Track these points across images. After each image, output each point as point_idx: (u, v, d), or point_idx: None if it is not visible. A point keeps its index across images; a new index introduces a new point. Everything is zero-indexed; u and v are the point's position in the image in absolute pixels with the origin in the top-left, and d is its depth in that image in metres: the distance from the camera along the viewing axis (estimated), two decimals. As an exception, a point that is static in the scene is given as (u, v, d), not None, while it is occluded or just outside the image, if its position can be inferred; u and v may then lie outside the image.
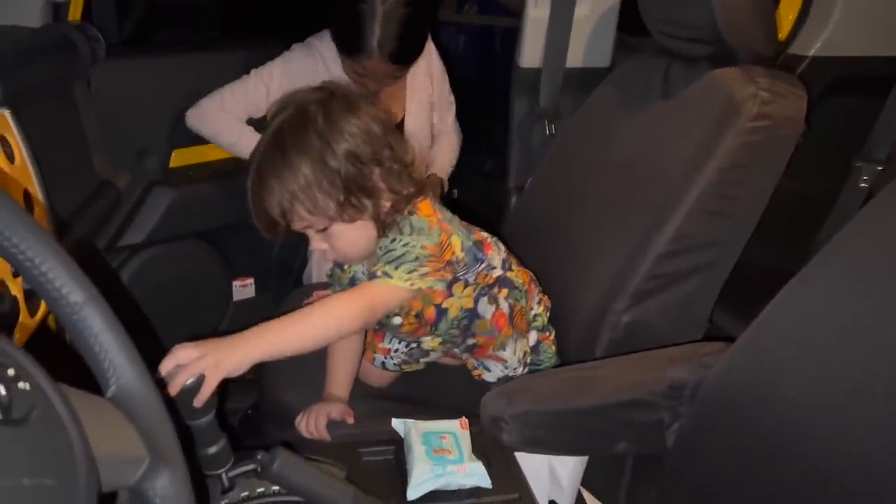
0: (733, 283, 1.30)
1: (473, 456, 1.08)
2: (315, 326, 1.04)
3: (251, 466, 1.01)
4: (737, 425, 0.86)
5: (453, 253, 1.19)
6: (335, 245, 1.14)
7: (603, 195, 1.41)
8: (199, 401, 0.89)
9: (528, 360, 1.35)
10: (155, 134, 1.88)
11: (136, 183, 1.84)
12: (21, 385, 0.48)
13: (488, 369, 1.36)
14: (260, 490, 1.00)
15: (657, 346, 1.21)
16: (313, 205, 1.07)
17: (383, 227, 1.14)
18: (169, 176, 1.91)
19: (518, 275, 1.34)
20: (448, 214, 1.25)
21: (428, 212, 1.17)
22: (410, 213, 1.15)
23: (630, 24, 1.84)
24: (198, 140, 1.93)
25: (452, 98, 1.99)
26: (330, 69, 1.77)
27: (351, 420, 1.26)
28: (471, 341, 1.31)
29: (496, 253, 1.32)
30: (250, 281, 2.15)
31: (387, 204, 1.13)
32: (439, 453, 1.08)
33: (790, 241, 1.78)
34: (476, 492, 1.04)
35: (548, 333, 1.38)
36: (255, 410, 1.63)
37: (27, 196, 1.03)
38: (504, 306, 1.29)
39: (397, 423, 1.17)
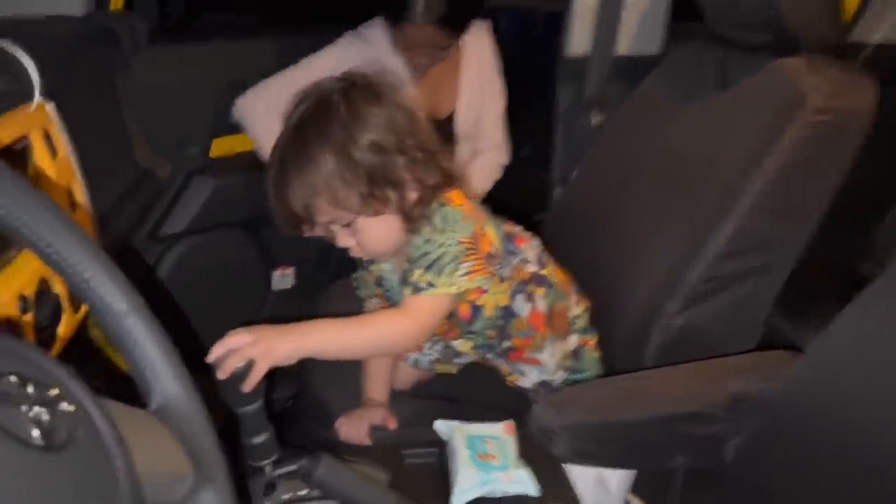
0: (788, 282, 1.24)
1: (519, 462, 1.05)
2: (363, 340, 1.04)
3: (294, 467, 1.00)
4: (806, 441, 0.81)
5: (491, 244, 1.15)
6: (361, 240, 1.10)
7: (654, 190, 1.36)
8: (248, 386, 0.88)
9: (568, 364, 1.30)
10: (195, 123, 1.86)
11: (177, 172, 1.83)
12: (63, 406, 0.46)
13: (523, 374, 1.31)
14: (302, 493, 0.98)
15: (710, 350, 1.16)
16: (336, 198, 1.03)
17: (411, 220, 1.09)
18: (209, 165, 1.90)
19: (554, 274, 1.29)
20: (478, 204, 1.20)
21: (459, 201, 1.13)
22: (441, 205, 1.11)
23: (682, 9, 1.77)
24: (238, 128, 1.92)
25: (501, 105, 1.90)
26: (381, 58, 1.74)
27: (393, 426, 1.23)
28: (506, 344, 1.27)
29: (530, 247, 1.27)
30: (290, 271, 2.13)
31: (413, 195, 1.08)
32: (484, 458, 1.05)
33: (848, 237, 1.70)
34: (522, 499, 1.01)
35: (589, 337, 1.32)
36: (295, 402, 1.62)
37: (70, 192, 1.01)
38: (541, 305, 1.25)
39: (440, 426, 1.14)
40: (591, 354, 1.32)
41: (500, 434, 1.11)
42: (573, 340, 1.30)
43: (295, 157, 1.03)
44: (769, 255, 1.17)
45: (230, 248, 1.99)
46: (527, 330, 1.25)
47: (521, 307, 1.23)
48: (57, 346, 0.98)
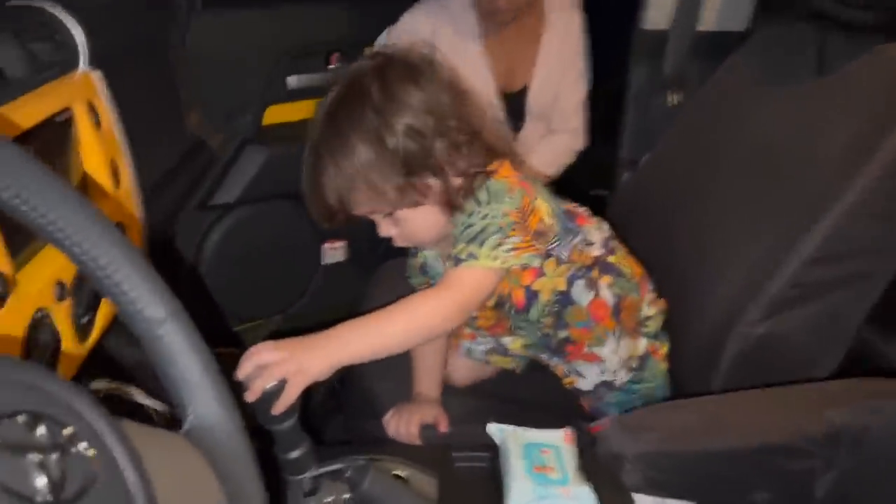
0: (885, 293, 1.12)
1: (580, 476, 0.97)
2: (401, 331, 0.94)
3: (338, 467, 0.95)
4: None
5: (540, 219, 1.05)
6: (403, 230, 1.03)
7: (737, 182, 1.24)
8: (279, 408, 0.82)
9: (634, 366, 1.20)
10: (249, 90, 1.81)
11: (229, 141, 1.78)
12: (79, 448, 0.39)
13: (582, 375, 1.21)
14: (346, 496, 0.92)
15: (792, 364, 1.07)
16: (372, 190, 0.96)
17: (454, 207, 1.01)
18: (262, 134, 1.84)
19: (625, 262, 1.19)
20: (531, 177, 1.10)
21: (507, 172, 1.04)
22: (487, 178, 1.02)
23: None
24: (294, 96, 1.86)
25: (584, 89, 1.78)
26: (456, 20, 1.65)
27: (444, 427, 1.17)
28: (563, 334, 1.16)
29: (594, 229, 1.17)
30: (341, 245, 2.08)
31: (456, 181, 1.00)
32: (541, 470, 0.98)
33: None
34: (580, 517, 0.94)
35: (658, 345, 1.21)
36: (342, 388, 1.57)
37: (113, 165, 0.96)
38: (606, 295, 1.15)
39: (493, 429, 1.07)
40: (659, 366, 1.21)
41: (558, 443, 1.03)
42: (642, 345, 1.19)
43: (328, 146, 0.96)
44: (866, 263, 1.06)
45: (281, 219, 1.94)
46: (586, 320, 1.15)
47: (581, 294, 1.13)
48: (94, 336, 0.94)
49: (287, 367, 0.83)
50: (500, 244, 0.98)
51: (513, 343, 1.23)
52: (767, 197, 1.16)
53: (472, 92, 1.06)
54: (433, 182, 0.98)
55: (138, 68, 1.28)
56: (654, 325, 1.21)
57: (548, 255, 1.09)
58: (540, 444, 1.03)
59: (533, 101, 1.72)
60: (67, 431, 0.39)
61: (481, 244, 0.98)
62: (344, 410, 1.41)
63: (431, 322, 0.97)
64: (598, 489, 0.94)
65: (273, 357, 0.84)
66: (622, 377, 1.20)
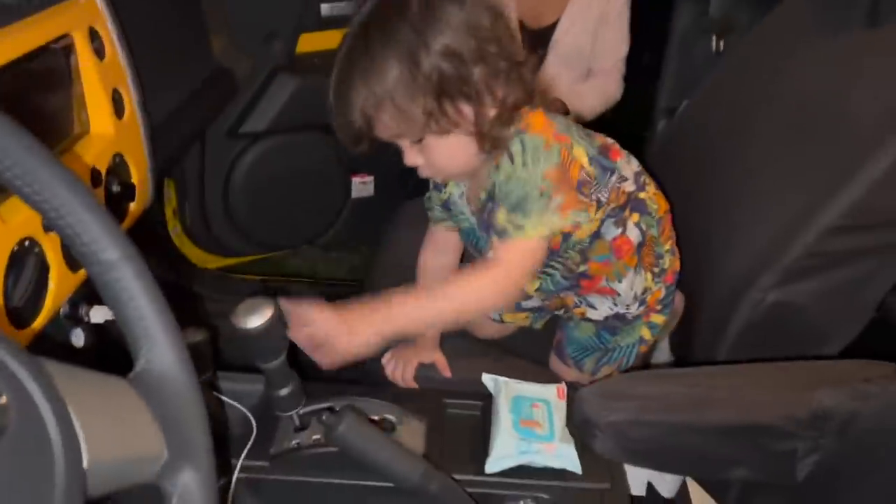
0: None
1: (566, 432, 0.97)
2: (453, 309, 0.98)
3: (324, 405, 0.96)
4: None
5: (581, 167, 1.01)
6: (430, 159, 0.98)
7: (770, 139, 1.17)
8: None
9: (646, 300, 1.17)
10: (283, 16, 1.77)
11: (260, 68, 1.76)
12: (-7, 398, 0.40)
13: (593, 306, 1.18)
14: (332, 436, 0.94)
15: (804, 334, 1.02)
16: (400, 112, 0.90)
17: (486, 141, 0.96)
18: (295, 62, 1.82)
19: (654, 198, 1.14)
20: (563, 121, 1.04)
21: (541, 125, 0.99)
22: (519, 132, 0.97)
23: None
24: (328, 24, 1.82)
25: (625, 48, 1.68)
26: None
27: (447, 372, 1.17)
28: (582, 268, 1.13)
29: (626, 161, 1.12)
30: (370, 179, 2.07)
31: (491, 112, 0.94)
32: (527, 425, 0.97)
33: None
34: (562, 474, 0.93)
35: (660, 287, 1.17)
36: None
37: (117, 96, 0.95)
38: (632, 233, 1.11)
39: (488, 379, 1.07)
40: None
41: (550, 398, 1.02)
42: (648, 279, 1.16)
43: (358, 60, 0.90)
44: (890, 236, 0.99)
45: (311, 150, 1.94)
46: (608, 254, 1.11)
47: (608, 230, 1.10)
48: (127, 222, 0.96)
49: (338, 328, 0.89)
50: (546, 209, 0.96)
51: (529, 286, 1.20)
52: (797, 157, 1.09)
53: (512, 20, 1.00)
54: (467, 109, 0.93)
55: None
56: (664, 264, 1.17)
57: (589, 200, 1.05)
58: (532, 398, 1.02)
59: (560, 39, 1.63)
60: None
61: (526, 214, 0.96)
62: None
63: (485, 300, 0.99)
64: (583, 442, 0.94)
65: (326, 318, 0.90)
66: (634, 310, 1.17)
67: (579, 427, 0.85)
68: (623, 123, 1.65)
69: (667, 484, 1.05)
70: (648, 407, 0.82)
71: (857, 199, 0.98)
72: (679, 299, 1.24)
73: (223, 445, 0.92)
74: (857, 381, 0.76)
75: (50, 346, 0.85)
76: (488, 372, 1.06)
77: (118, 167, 0.96)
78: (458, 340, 1.24)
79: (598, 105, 1.69)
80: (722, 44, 1.63)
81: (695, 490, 1.04)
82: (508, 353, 1.22)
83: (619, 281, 1.13)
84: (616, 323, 1.19)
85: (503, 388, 1.03)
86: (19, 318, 0.74)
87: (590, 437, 0.83)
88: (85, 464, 0.44)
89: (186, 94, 1.34)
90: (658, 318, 1.19)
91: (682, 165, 1.37)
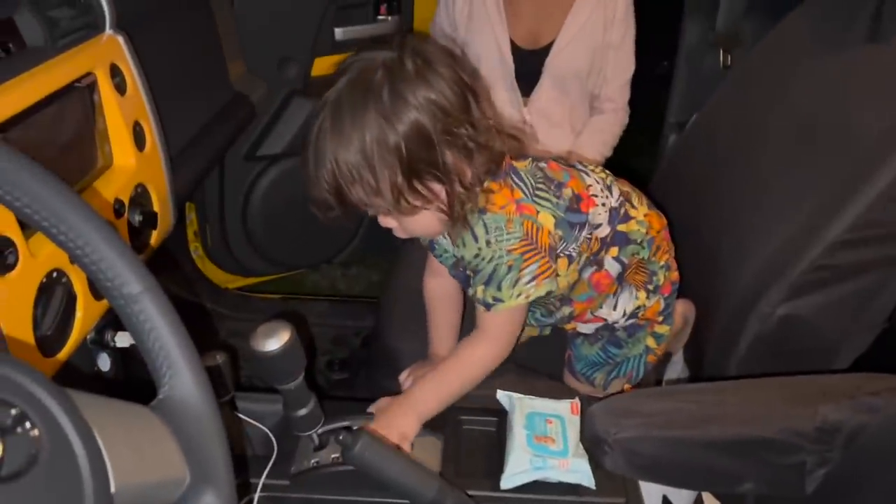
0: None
1: (580, 448, 0.98)
2: (461, 382, 1.06)
3: (341, 424, 0.99)
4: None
5: (549, 233, 1.03)
6: (404, 226, 1.01)
7: (776, 154, 1.19)
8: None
9: (639, 314, 1.19)
10: (297, 41, 1.81)
11: (276, 92, 1.80)
12: (25, 429, 0.43)
13: (582, 330, 1.24)
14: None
15: (813, 348, 1.03)
16: (370, 190, 0.92)
17: (453, 216, 0.97)
18: (310, 85, 1.86)
19: (643, 221, 1.15)
20: (529, 183, 1.05)
21: (503, 201, 1.01)
22: (483, 211, 0.99)
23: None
24: (342, 48, 1.86)
25: (631, 68, 1.62)
26: None
27: None
28: (567, 310, 1.18)
29: (600, 205, 1.11)
30: (386, 196, 2.09)
31: (458, 189, 0.96)
32: (542, 441, 0.99)
33: None
34: (577, 489, 0.95)
35: (652, 304, 1.19)
36: (369, 343, 1.61)
37: (138, 128, 0.99)
38: (611, 267, 1.14)
39: (502, 396, 1.08)
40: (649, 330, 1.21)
41: (563, 413, 1.04)
42: (644, 297, 1.18)
43: (330, 140, 0.92)
44: (897, 249, 1.00)
45: (328, 171, 1.97)
46: (588, 292, 1.15)
47: (585, 271, 1.13)
48: (149, 249, 1.00)
49: (391, 434, 0.98)
50: (518, 279, 1.01)
51: None
52: (803, 171, 1.10)
53: (487, 92, 1.03)
54: (437, 188, 0.95)
55: (176, 23, 1.30)
56: (661, 279, 1.19)
57: (558, 257, 1.07)
58: (546, 413, 1.04)
59: (554, 60, 1.58)
60: (13, 412, 0.43)
61: (499, 287, 1.02)
62: (367, 366, 1.45)
63: (486, 366, 1.08)
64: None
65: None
66: (623, 323, 1.20)
67: (589, 444, 0.86)
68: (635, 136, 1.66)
69: (682, 498, 1.06)
70: (657, 423, 0.83)
71: (863, 212, 0.99)
72: (690, 309, 1.26)
73: (244, 465, 0.95)
74: (863, 395, 0.77)
75: (77, 371, 0.89)
76: (503, 388, 1.08)
77: (140, 197, 0.99)
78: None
79: (615, 140, 1.66)
80: (729, 58, 1.64)
81: (711, 503, 1.05)
82: (523, 367, 1.24)
83: (601, 308, 1.19)
84: (619, 336, 1.22)
85: (517, 404, 1.05)
86: (48, 346, 0.78)
87: (600, 453, 0.84)
88: (112, 489, 0.47)
89: (206, 121, 1.38)
90: (662, 329, 1.22)
91: (690, 180, 1.39)
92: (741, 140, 1.29)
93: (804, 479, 0.79)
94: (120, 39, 0.97)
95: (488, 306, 1.04)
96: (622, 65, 1.61)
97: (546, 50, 1.58)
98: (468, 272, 1.08)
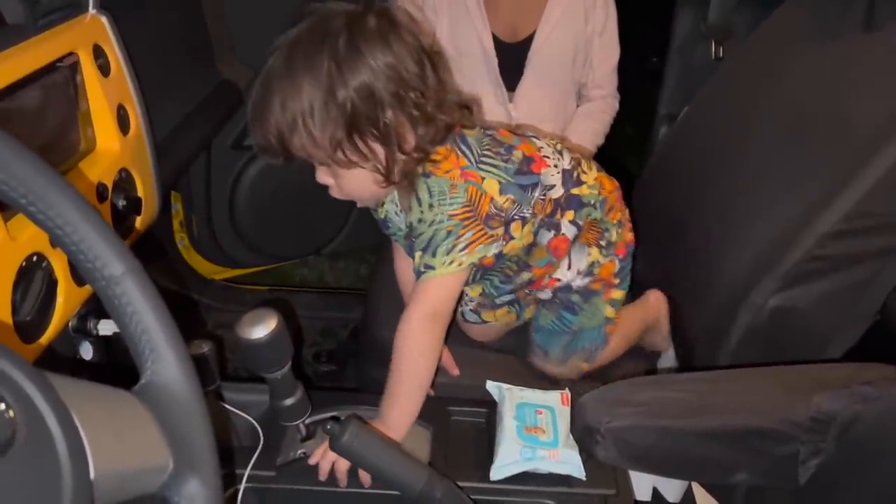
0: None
1: (570, 438, 0.97)
2: (410, 372, 1.01)
3: (327, 415, 0.97)
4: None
5: (491, 200, 1.02)
6: (339, 183, 1.00)
7: (769, 144, 1.18)
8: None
9: (595, 272, 1.17)
10: (285, 28, 1.79)
11: (263, 81, 1.78)
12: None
13: (540, 296, 1.21)
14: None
15: (804, 339, 1.03)
16: (311, 138, 0.92)
17: (391, 180, 0.97)
18: (298, 73, 1.84)
19: (595, 184, 1.14)
20: (475, 150, 1.04)
21: (448, 165, 1.00)
22: (426, 175, 0.99)
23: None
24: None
25: (617, 54, 1.60)
26: None
27: (454, 370, 1.18)
28: (526, 276, 1.15)
29: (553, 167, 1.10)
30: (374, 187, 2.08)
31: (398, 155, 0.96)
32: (532, 431, 0.98)
33: None
34: (567, 480, 0.94)
35: (607, 261, 1.18)
36: (358, 333, 1.60)
37: (122, 111, 0.97)
38: (568, 230, 1.12)
39: (492, 387, 1.08)
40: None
41: (554, 404, 1.03)
42: (594, 253, 1.17)
43: (279, 81, 0.92)
44: (890, 240, 1.00)
45: (315, 161, 1.95)
46: (547, 257, 1.14)
47: (542, 237, 1.12)
48: (133, 235, 0.97)
49: None
50: (452, 247, 0.99)
51: (472, 290, 1.21)
52: (796, 162, 1.10)
53: (447, 64, 1.01)
54: (377, 147, 0.94)
55: (162, 8, 1.27)
56: (613, 236, 1.18)
57: (511, 220, 1.06)
58: (536, 404, 1.03)
59: (536, 52, 1.55)
60: (-13, 395, 0.41)
61: (434, 253, 0.99)
62: (357, 356, 1.44)
63: (418, 344, 1.01)
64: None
65: None
66: (579, 282, 1.18)
67: (581, 433, 0.85)
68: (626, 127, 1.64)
69: (672, 489, 1.06)
70: (649, 412, 0.83)
71: (855, 202, 0.98)
72: (661, 298, 1.27)
73: (229, 456, 0.93)
74: (857, 384, 0.77)
75: (59, 359, 0.87)
76: (492, 378, 1.07)
77: (124, 182, 0.97)
78: (461, 348, 1.25)
79: (606, 128, 1.64)
80: (721, 50, 1.64)
81: (700, 494, 1.04)
82: (512, 357, 1.23)
83: (556, 270, 1.16)
84: (571, 299, 1.19)
85: (507, 395, 1.04)
86: (28, 332, 0.76)
87: (591, 443, 0.84)
88: (91, 475, 0.45)
89: (191, 108, 1.35)
90: (617, 294, 1.20)
91: (682, 171, 1.38)
92: (733, 131, 1.28)
93: (797, 470, 0.78)
94: (104, 20, 0.95)
95: (420, 274, 1.01)
96: (607, 51, 1.60)
97: (528, 42, 1.56)
98: (413, 239, 1.05)
